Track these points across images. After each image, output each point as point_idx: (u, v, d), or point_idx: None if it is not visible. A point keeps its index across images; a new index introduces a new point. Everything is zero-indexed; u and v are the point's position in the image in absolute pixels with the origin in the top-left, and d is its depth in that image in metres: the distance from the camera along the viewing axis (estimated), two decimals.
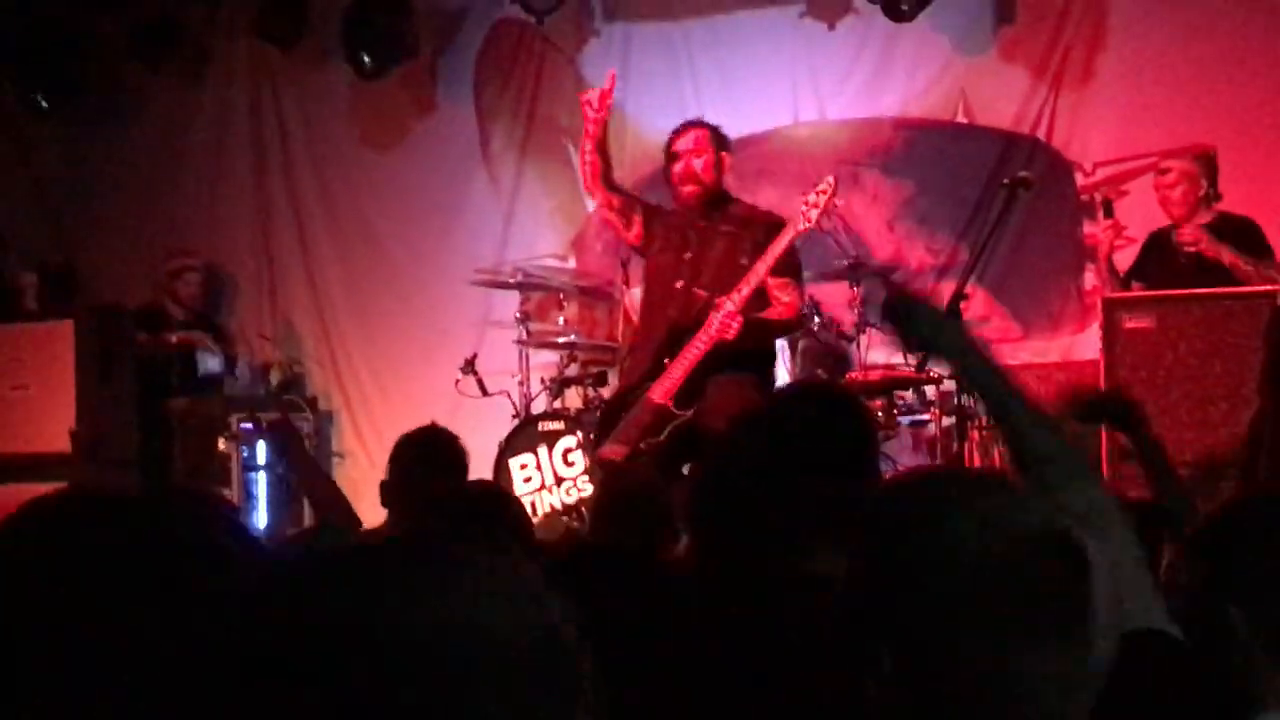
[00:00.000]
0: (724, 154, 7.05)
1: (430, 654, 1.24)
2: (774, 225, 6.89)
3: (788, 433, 3.12)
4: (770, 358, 7.28)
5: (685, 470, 6.28)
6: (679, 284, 6.87)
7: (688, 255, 6.88)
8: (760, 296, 6.74)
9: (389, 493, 4.86)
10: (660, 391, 6.65)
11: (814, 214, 6.71)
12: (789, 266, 6.86)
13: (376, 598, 1.26)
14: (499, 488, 4.71)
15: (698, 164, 6.93)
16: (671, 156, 7.05)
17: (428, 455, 4.94)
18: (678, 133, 7.12)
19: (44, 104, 10.33)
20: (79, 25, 10.24)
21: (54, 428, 9.28)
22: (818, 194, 6.76)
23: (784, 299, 6.83)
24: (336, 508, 4.55)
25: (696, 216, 6.96)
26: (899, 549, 1.74)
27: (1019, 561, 1.68)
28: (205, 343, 9.87)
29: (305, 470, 4.92)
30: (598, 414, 7.64)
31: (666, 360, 6.72)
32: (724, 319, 6.56)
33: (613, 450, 6.78)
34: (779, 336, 7.35)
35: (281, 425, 6.39)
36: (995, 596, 1.67)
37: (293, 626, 1.26)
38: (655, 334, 6.93)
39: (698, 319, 6.71)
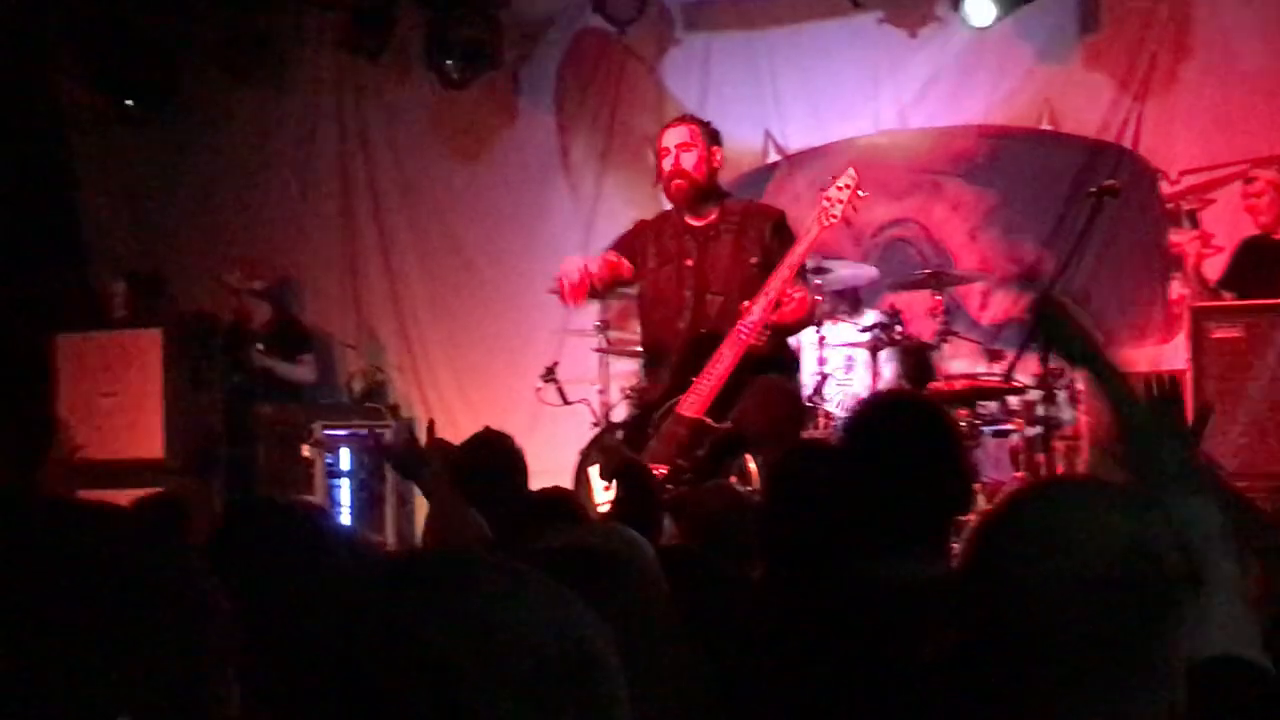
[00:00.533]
0: (715, 149, 6.78)
1: (462, 662, 1.25)
2: (778, 221, 6.68)
3: (871, 441, 3.12)
4: (795, 358, 7.13)
5: (732, 480, 6.20)
6: (686, 292, 6.67)
7: (689, 262, 6.67)
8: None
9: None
10: (692, 406, 6.43)
11: (837, 210, 6.49)
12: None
13: (411, 605, 1.29)
14: (565, 494, 4.67)
15: (687, 159, 6.66)
16: (660, 152, 6.80)
17: (485, 460, 4.88)
18: (666, 127, 6.93)
19: (133, 112, 10.44)
20: (168, 34, 10.35)
21: (143, 434, 9.41)
22: (839, 189, 6.51)
23: (795, 295, 6.51)
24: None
25: (688, 217, 6.72)
26: (1011, 563, 1.73)
27: (1129, 578, 1.67)
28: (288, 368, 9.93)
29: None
30: (617, 435, 7.42)
31: (693, 375, 6.50)
32: (752, 327, 6.36)
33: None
34: (796, 334, 7.11)
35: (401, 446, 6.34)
36: (1097, 614, 1.66)
37: (331, 631, 1.28)
38: (669, 348, 6.72)
39: (716, 325, 6.54)
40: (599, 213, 10.18)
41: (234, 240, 10.89)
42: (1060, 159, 9.18)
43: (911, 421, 3.16)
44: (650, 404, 6.73)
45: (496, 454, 4.93)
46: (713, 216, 6.67)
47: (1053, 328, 3.11)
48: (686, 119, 7.07)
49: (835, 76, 9.64)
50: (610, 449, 5.11)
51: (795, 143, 9.76)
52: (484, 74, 9.97)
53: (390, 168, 10.70)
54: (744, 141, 9.83)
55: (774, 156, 9.82)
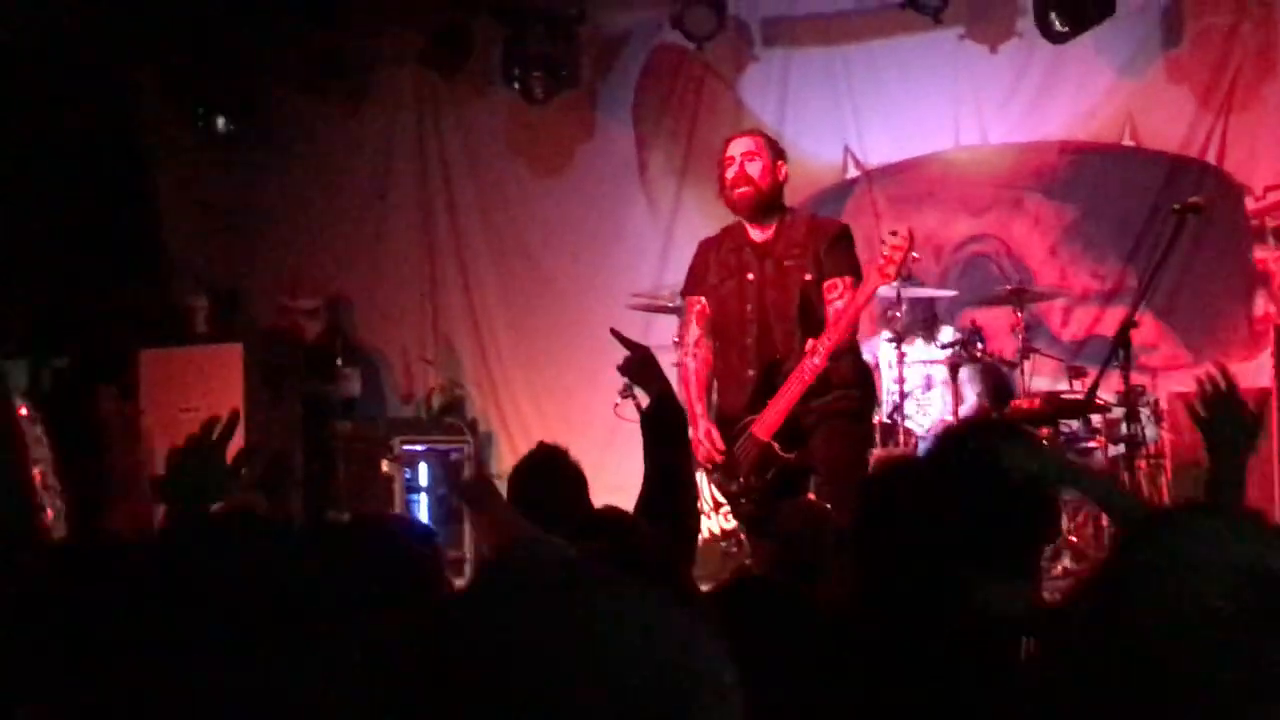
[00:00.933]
0: (780, 162, 6.64)
1: (574, 686, 1.25)
2: (838, 235, 6.53)
3: (958, 470, 3.10)
4: (867, 377, 6.96)
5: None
6: (749, 307, 6.53)
7: (750, 276, 6.54)
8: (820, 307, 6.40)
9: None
10: (763, 428, 6.33)
11: (891, 269, 6.39)
12: (848, 267, 6.46)
13: (536, 621, 1.28)
14: (624, 514, 4.62)
15: (752, 167, 6.53)
16: (724, 161, 6.67)
17: (545, 477, 4.86)
18: (730, 139, 6.83)
19: (214, 130, 10.54)
20: (249, 54, 10.44)
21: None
22: (894, 248, 6.28)
23: (838, 300, 6.35)
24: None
25: (750, 229, 6.58)
26: (1133, 596, 1.71)
27: (1256, 608, 1.64)
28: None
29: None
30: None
31: (767, 398, 6.37)
32: (814, 369, 6.20)
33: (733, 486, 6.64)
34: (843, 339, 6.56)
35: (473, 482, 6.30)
36: (1224, 648, 1.63)
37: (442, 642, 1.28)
38: (739, 365, 6.57)
39: (784, 349, 6.42)
40: (676, 228, 10.17)
41: (313, 256, 10.96)
42: (1142, 175, 9.11)
43: (1000, 448, 3.13)
44: (725, 419, 6.64)
45: (552, 470, 4.89)
46: (773, 230, 6.57)
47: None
48: (752, 131, 7.07)
49: (915, 92, 9.60)
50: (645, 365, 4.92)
51: (875, 158, 9.72)
52: (562, 90, 9.98)
53: (468, 184, 10.74)
54: (823, 157, 9.82)
55: (853, 172, 9.79)
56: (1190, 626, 1.64)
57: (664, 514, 4.18)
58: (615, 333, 5.12)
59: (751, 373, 6.47)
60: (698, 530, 4.62)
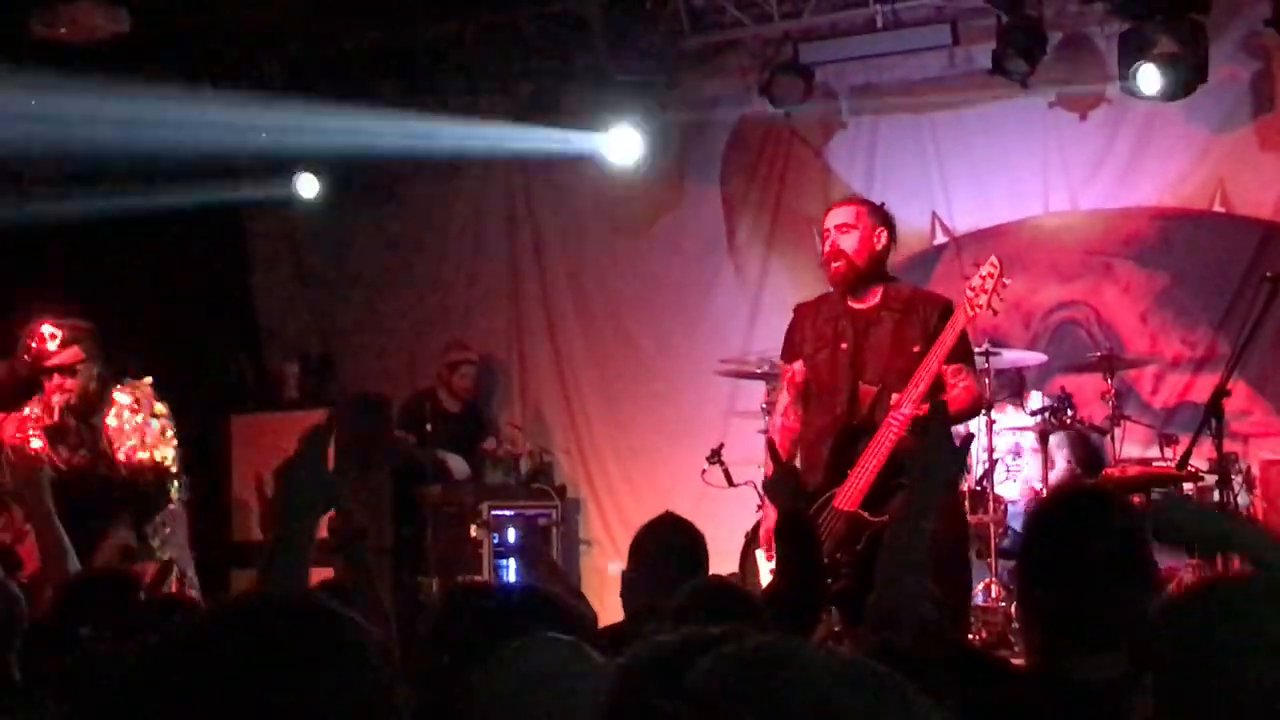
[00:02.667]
0: (881, 230, 6.52)
1: None
2: (945, 307, 6.39)
3: (1057, 539, 3.09)
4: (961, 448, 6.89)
5: None
6: (840, 378, 6.43)
7: (844, 346, 6.44)
8: (935, 385, 6.21)
9: (628, 584, 4.76)
10: (848, 499, 6.21)
11: (981, 299, 6.29)
12: (961, 352, 6.33)
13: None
14: (734, 585, 4.60)
15: (846, 241, 6.43)
16: (822, 233, 6.61)
17: (668, 545, 4.86)
18: (830, 208, 6.71)
19: (307, 195, 10.67)
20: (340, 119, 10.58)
21: None
22: (982, 278, 6.28)
23: (960, 384, 6.29)
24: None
25: (849, 299, 6.50)
26: (1181, 667, 1.71)
27: None
28: (450, 462, 10.02)
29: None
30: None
31: (847, 468, 6.28)
32: (902, 420, 6.09)
33: None
34: (960, 423, 6.69)
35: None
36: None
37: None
38: (824, 436, 6.46)
39: (870, 416, 6.32)
40: (764, 295, 10.19)
41: (402, 322, 11.06)
42: (1234, 241, 9.03)
43: (1099, 518, 3.11)
44: (807, 495, 6.49)
45: (676, 539, 4.90)
46: (874, 300, 6.47)
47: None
48: (853, 199, 6.95)
49: (1003, 158, 9.58)
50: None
51: (963, 224, 9.70)
52: (650, 155, 10.03)
53: (557, 250, 10.82)
54: (911, 223, 9.79)
55: (941, 239, 9.77)
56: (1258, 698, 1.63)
57: (789, 609, 4.20)
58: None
59: (837, 443, 6.40)
60: (814, 627, 4.59)
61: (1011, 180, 9.60)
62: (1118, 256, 9.30)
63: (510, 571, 9.70)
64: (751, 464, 9.16)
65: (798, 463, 6.60)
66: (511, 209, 10.92)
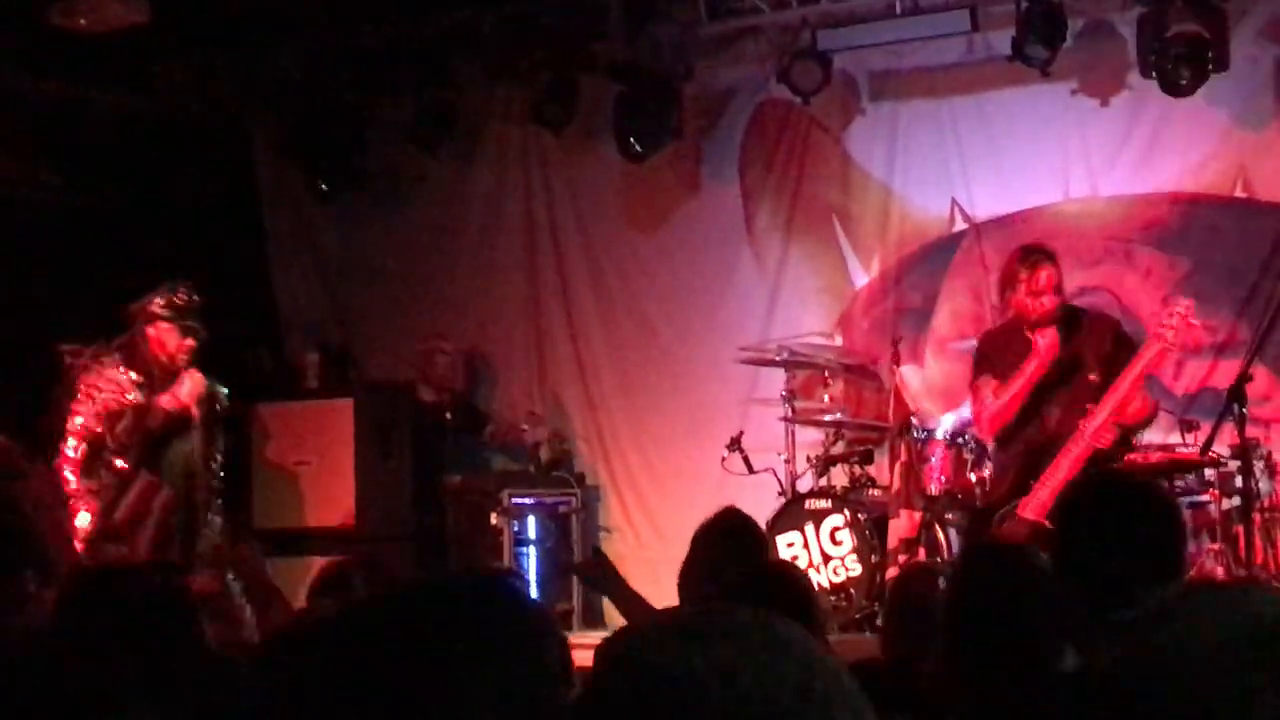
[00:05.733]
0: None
1: None
2: (1118, 331, 6.98)
3: (1095, 522, 3.10)
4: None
5: None
6: (1029, 406, 6.90)
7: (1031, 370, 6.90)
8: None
9: (686, 576, 4.81)
10: (1033, 509, 6.60)
11: (1169, 334, 6.61)
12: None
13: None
14: (789, 567, 4.64)
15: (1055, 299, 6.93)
16: (1031, 288, 6.95)
17: (730, 541, 4.90)
18: (1039, 267, 6.98)
19: (325, 188, 10.68)
20: (360, 111, 10.60)
21: (334, 502, 9.59)
22: (1174, 314, 6.64)
23: (1136, 400, 6.76)
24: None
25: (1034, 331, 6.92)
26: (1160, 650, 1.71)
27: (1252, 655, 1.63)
28: None
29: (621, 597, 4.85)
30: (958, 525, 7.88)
31: (1032, 480, 6.72)
32: (1099, 428, 6.60)
33: None
34: (1137, 433, 7.31)
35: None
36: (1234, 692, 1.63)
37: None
38: (1014, 456, 6.97)
39: (1056, 433, 6.76)
40: (783, 283, 10.19)
41: (422, 312, 11.07)
42: (1255, 227, 9.00)
43: (1134, 501, 3.13)
44: (992, 504, 6.98)
45: (745, 536, 4.96)
46: (1059, 332, 6.89)
47: None
48: (1053, 261, 7.13)
49: (1024, 144, 9.56)
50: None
51: (983, 211, 9.68)
52: (667, 145, 10.03)
53: (575, 239, 10.81)
54: (931, 210, 9.81)
55: (961, 225, 9.75)
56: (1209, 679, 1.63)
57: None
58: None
59: (1021, 461, 6.82)
60: None
61: (1032, 167, 9.58)
62: (1138, 242, 9.28)
63: (530, 560, 9.73)
64: (770, 451, 9.18)
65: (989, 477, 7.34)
66: (529, 199, 10.91)
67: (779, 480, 9.08)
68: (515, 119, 10.71)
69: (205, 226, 10.53)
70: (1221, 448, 7.60)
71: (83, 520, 7.50)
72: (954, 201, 9.75)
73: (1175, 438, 8.38)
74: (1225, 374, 8.35)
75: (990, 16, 9.31)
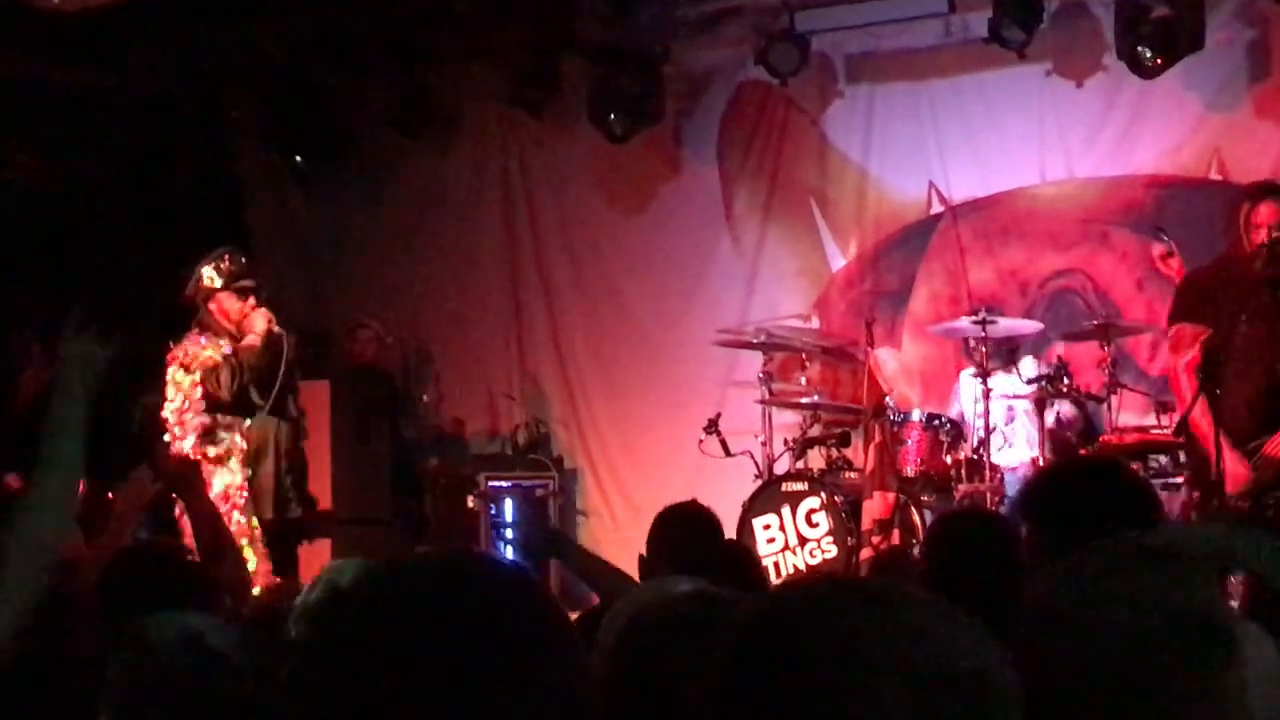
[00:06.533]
0: None
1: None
2: None
3: (1062, 509, 3.11)
4: None
5: None
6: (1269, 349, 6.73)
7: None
8: None
9: (645, 567, 4.82)
10: (1277, 447, 6.50)
11: None
12: None
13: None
14: (743, 548, 4.66)
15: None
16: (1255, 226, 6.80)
17: (686, 531, 4.91)
18: (1261, 201, 6.84)
19: (303, 169, 10.66)
20: (340, 93, 10.58)
21: (312, 486, 9.56)
22: None
23: None
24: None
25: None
26: (1047, 633, 1.72)
27: (1162, 641, 1.64)
28: None
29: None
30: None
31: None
32: None
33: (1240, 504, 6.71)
34: None
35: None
36: (1137, 677, 1.64)
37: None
38: (1246, 399, 6.72)
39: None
40: (761, 265, 10.20)
41: (400, 293, 11.06)
42: (1230, 208, 8.99)
43: (1105, 488, 3.14)
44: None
45: (702, 527, 4.97)
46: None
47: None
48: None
49: (1000, 127, 9.57)
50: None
51: (960, 193, 9.69)
52: (646, 127, 10.02)
53: (554, 221, 10.81)
54: (908, 193, 9.82)
55: (938, 207, 9.76)
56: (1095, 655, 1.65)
57: None
58: None
59: (1267, 401, 6.63)
60: None
61: (1008, 149, 9.59)
62: (1114, 224, 9.30)
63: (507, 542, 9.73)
64: (748, 434, 9.19)
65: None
66: (507, 182, 10.90)
67: (756, 463, 9.09)
68: (494, 101, 10.69)
69: (184, 208, 10.49)
70: None
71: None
72: (931, 184, 9.76)
73: (1150, 419, 8.40)
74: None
75: None
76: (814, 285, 10.15)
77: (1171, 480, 8.00)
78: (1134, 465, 7.77)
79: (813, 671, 1.36)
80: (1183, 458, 7.99)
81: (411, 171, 11.05)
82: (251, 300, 7.85)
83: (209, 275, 7.83)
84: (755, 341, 9.23)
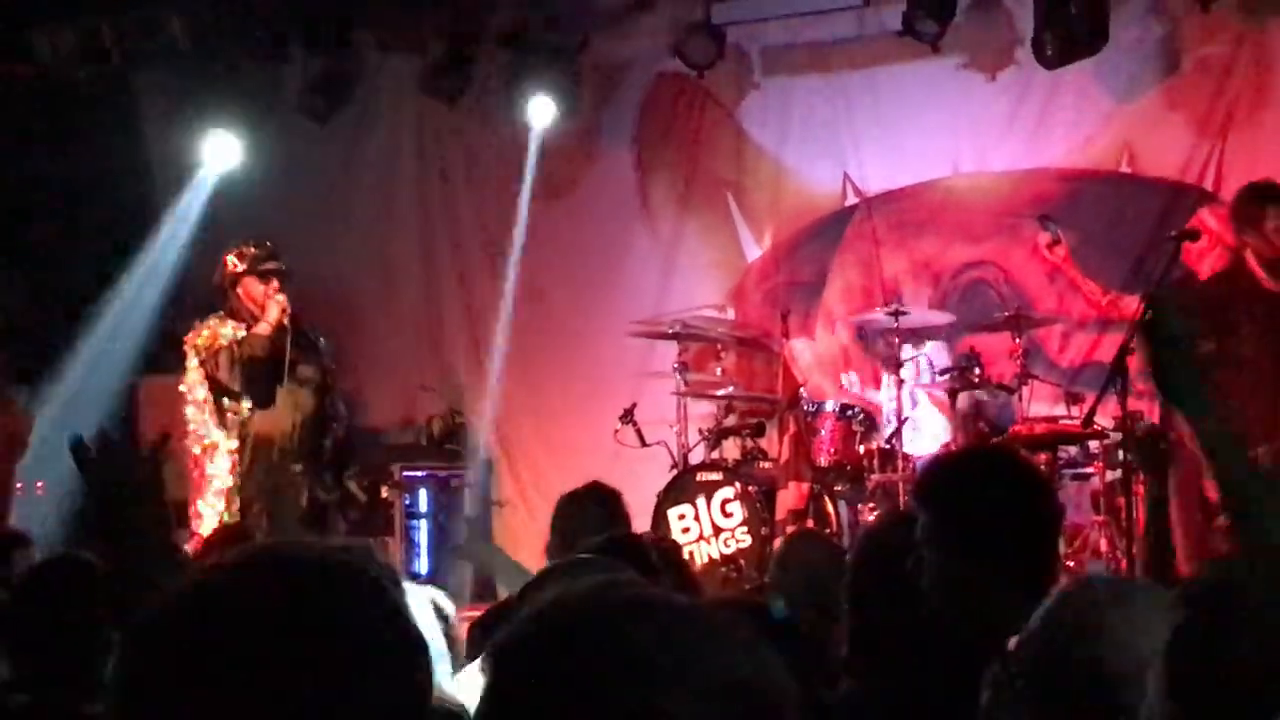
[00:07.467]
0: None
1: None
2: None
3: (956, 504, 3.14)
4: None
5: None
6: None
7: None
8: None
9: (551, 554, 4.81)
10: None
11: None
12: None
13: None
14: (654, 539, 4.65)
15: None
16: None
17: (590, 512, 4.89)
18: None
19: (213, 154, 10.58)
20: (253, 78, 10.48)
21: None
22: None
23: None
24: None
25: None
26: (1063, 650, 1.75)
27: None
28: None
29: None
30: None
31: None
32: None
33: None
34: None
35: None
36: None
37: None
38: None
39: None
40: (678, 256, 10.22)
41: (313, 282, 10.96)
42: (1140, 201, 9.13)
43: (1000, 481, 3.17)
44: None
45: (594, 508, 4.94)
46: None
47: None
48: None
49: (914, 119, 9.63)
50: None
51: (874, 185, 9.76)
52: (564, 117, 10.00)
53: (470, 210, 10.77)
54: (823, 185, 9.87)
55: (853, 199, 9.82)
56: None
57: None
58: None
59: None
60: None
61: (922, 141, 9.66)
62: (1026, 217, 9.36)
63: (422, 533, 9.70)
64: (663, 424, 9.20)
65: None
66: (423, 168, 10.85)
67: (671, 452, 9.10)
68: (409, 89, 10.63)
69: (95, 194, 10.37)
70: (1105, 419, 7.69)
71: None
72: (846, 176, 9.82)
73: (1061, 409, 8.49)
74: (1110, 347, 8.42)
75: None
76: (730, 276, 10.18)
77: (1082, 470, 8.10)
78: (1044, 455, 7.88)
79: (594, 692, 1.30)
80: (1093, 447, 8.10)
81: (326, 158, 10.95)
82: (275, 283, 8.05)
83: (233, 261, 8.10)
84: (671, 332, 9.24)
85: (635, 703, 1.28)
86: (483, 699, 1.36)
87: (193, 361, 7.90)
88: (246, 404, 7.86)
